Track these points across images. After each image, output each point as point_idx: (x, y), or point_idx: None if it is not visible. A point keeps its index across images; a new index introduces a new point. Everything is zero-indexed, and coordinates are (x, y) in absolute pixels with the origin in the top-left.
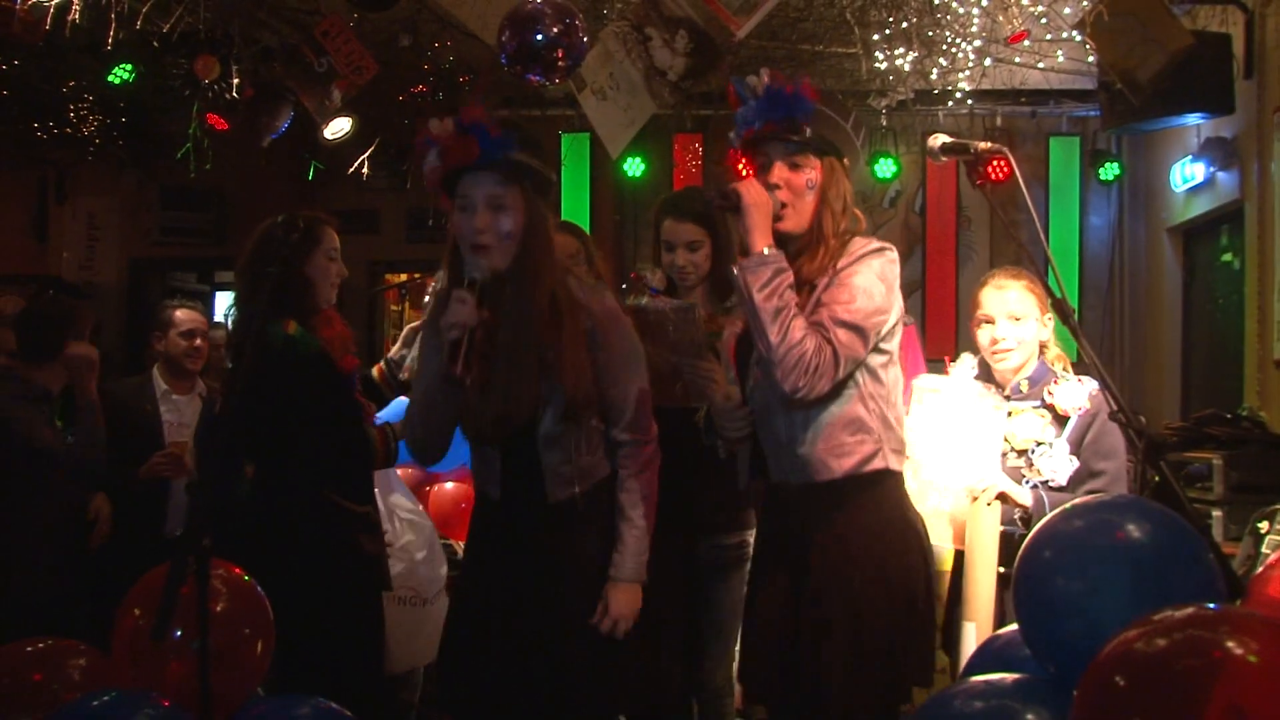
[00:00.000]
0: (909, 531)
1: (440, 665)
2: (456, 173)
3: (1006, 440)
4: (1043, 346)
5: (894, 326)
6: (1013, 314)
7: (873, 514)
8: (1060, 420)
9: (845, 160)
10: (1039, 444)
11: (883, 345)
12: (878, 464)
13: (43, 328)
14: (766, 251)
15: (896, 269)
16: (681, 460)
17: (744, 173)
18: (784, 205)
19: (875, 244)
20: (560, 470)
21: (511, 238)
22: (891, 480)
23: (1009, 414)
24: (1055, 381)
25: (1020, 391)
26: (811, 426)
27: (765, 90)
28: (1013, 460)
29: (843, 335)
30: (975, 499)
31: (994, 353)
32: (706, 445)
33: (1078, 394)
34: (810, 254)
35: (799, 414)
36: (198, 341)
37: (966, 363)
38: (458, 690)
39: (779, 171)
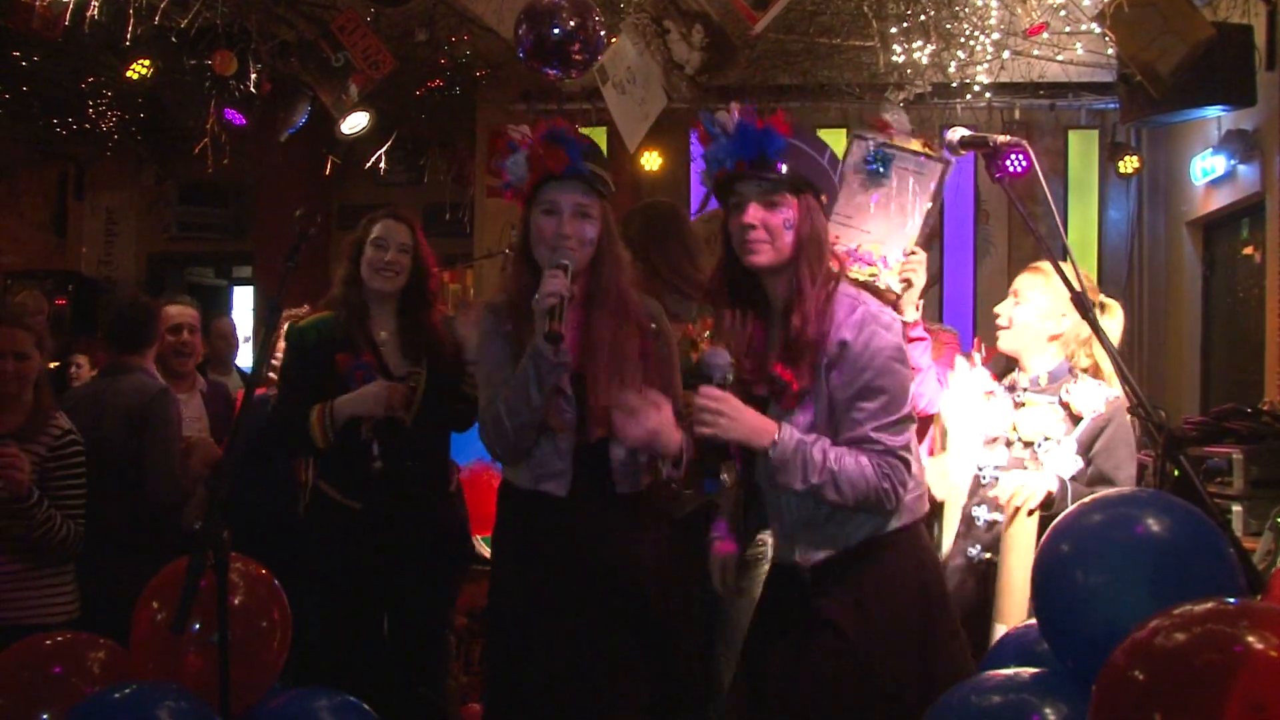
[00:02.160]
0: (930, 585)
1: (506, 694)
2: (540, 178)
3: (1014, 429)
4: (1083, 356)
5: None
6: (1015, 289)
7: (890, 576)
8: (1074, 419)
9: (824, 197)
10: (1046, 439)
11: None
12: (895, 524)
13: (135, 321)
14: (775, 447)
15: (899, 333)
16: None
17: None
18: (760, 241)
19: (871, 307)
20: (627, 465)
21: (591, 244)
22: (906, 536)
23: (1022, 404)
24: (1074, 380)
25: (1038, 385)
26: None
27: (736, 127)
28: (1018, 450)
29: (889, 435)
30: (1016, 509)
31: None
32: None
33: (1094, 396)
34: (799, 309)
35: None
36: (185, 336)
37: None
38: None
39: (754, 211)
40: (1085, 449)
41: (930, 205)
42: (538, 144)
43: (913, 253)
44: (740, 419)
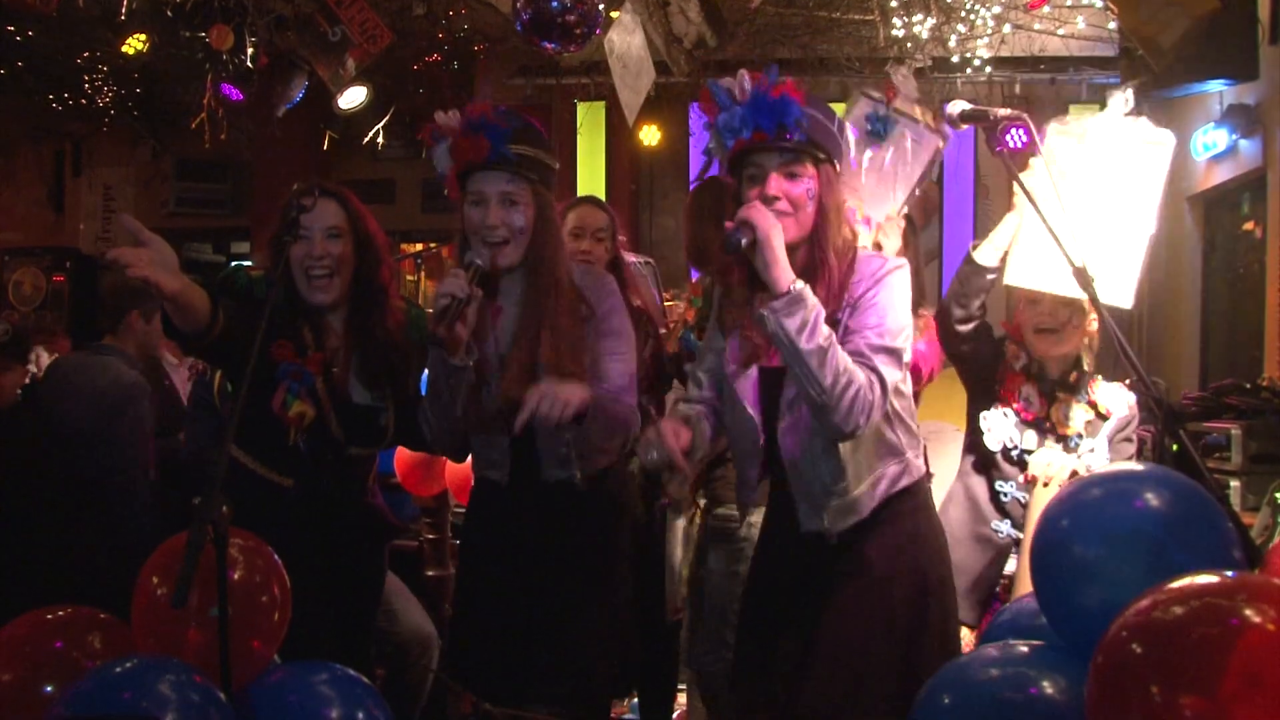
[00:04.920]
0: (939, 538)
1: (451, 647)
2: (468, 167)
3: (1050, 421)
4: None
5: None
6: (1062, 298)
7: (906, 529)
8: (1101, 418)
9: (838, 166)
10: (1081, 436)
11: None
12: (904, 482)
13: (103, 303)
14: (794, 288)
15: (909, 282)
16: None
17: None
18: (785, 215)
19: (890, 262)
20: (556, 451)
21: (524, 232)
22: (917, 489)
23: (1055, 397)
24: (1095, 381)
25: (1068, 381)
26: (855, 464)
27: (751, 96)
28: (1051, 444)
29: (884, 361)
30: (1045, 484)
31: (1038, 332)
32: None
33: (1120, 398)
34: (820, 279)
35: (844, 454)
36: None
37: (996, 418)
38: (471, 671)
39: (775, 183)
40: (1109, 444)
41: (919, 174)
42: (457, 134)
43: (890, 218)
44: (780, 240)
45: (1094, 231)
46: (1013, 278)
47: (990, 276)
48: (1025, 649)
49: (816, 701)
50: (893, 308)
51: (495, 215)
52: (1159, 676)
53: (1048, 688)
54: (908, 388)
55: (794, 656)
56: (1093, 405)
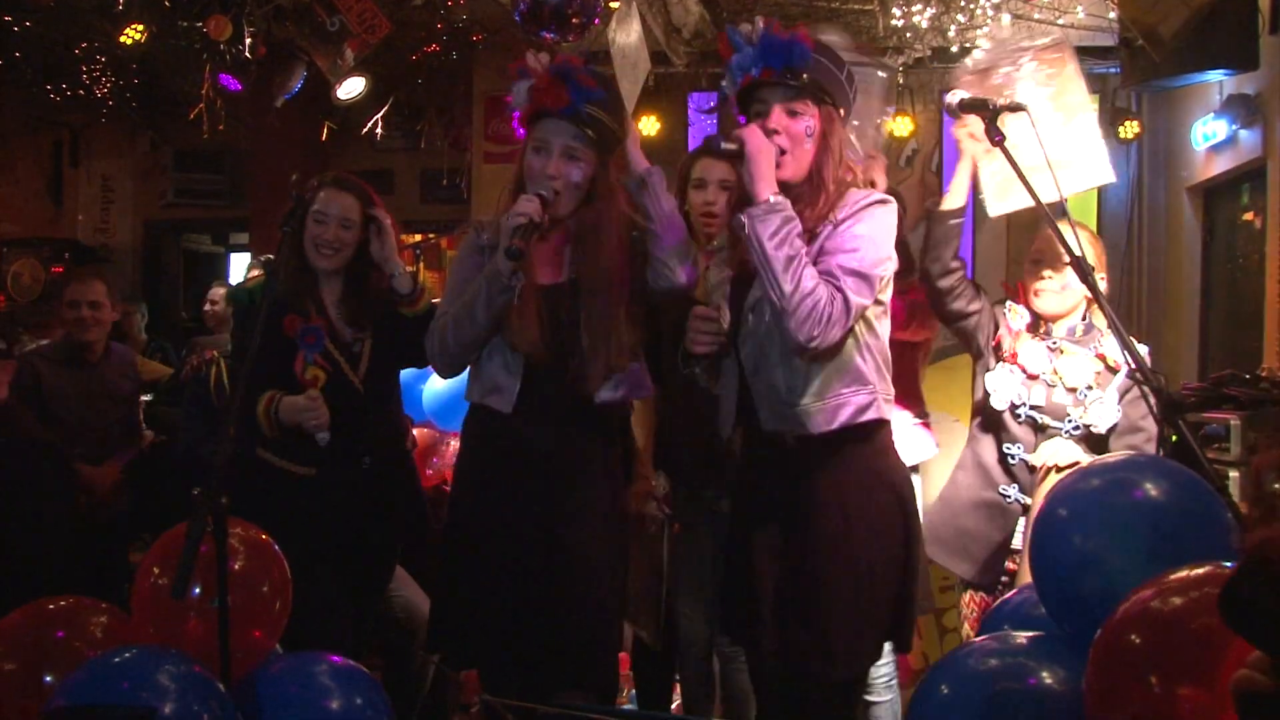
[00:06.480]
0: (902, 483)
1: (444, 609)
2: (538, 112)
3: (1057, 375)
4: (1089, 304)
5: (889, 278)
6: (1063, 257)
7: (869, 466)
8: (1110, 371)
9: (841, 111)
10: (1090, 388)
11: (880, 296)
12: (872, 415)
13: None
14: (773, 199)
15: (896, 219)
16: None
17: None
18: (782, 152)
19: (876, 195)
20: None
21: (579, 188)
22: (884, 430)
23: (1061, 352)
24: (1102, 334)
25: (1074, 335)
26: (811, 377)
27: (761, 37)
28: (1060, 395)
29: (852, 284)
30: (1057, 470)
31: (1040, 293)
32: (684, 375)
33: None
34: (810, 202)
35: (799, 365)
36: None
37: (1020, 313)
38: (472, 654)
39: (777, 117)
40: (1120, 398)
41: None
42: (542, 77)
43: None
44: (768, 158)
45: (1050, 139)
46: (995, 209)
47: (953, 222)
48: (1024, 639)
49: (777, 646)
50: (870, 236)
51: (555, 166)
52: (1158, 667)
53: (1047, 678)
54: (882, 329)
55: (768, 596)
56: (1101, 358)
